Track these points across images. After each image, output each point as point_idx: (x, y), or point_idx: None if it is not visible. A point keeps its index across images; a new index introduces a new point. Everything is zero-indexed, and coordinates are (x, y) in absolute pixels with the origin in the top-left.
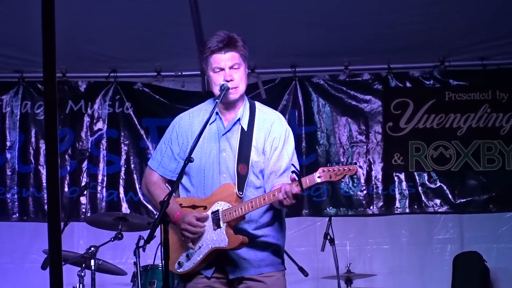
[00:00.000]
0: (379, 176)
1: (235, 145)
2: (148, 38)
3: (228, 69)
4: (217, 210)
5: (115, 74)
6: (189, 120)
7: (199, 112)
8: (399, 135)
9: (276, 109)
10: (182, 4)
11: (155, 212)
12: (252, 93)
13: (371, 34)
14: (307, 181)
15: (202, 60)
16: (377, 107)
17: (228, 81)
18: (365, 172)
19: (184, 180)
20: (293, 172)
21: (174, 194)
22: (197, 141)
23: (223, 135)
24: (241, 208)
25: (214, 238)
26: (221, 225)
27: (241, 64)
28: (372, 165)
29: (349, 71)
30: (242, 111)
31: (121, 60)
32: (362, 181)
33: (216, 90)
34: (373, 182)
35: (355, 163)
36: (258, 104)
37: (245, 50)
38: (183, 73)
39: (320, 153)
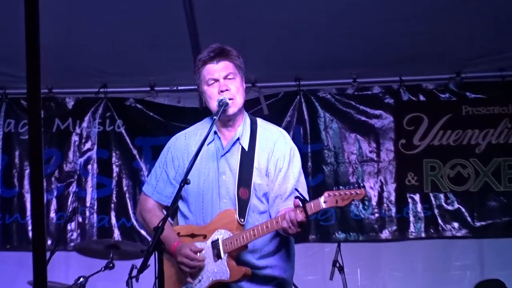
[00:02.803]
0: (392, 198)
1: (235, 167)
2: (141, 50)
3: (223, 79)
4: (217, 239)
5: (105, 90)
6: (185, 141)
7: (196, 132)
8: (413, 153)
9: (279, 125)
10: (177, 14)
11: (149, 239)
12: (253, 108)
13: (381, 44)
14: (311, 206)
15: (195, 75)
16: (389, 122)
17: (223, 91)
18: (376, 194)
19: (182, 206)
20: (296, 197)
21: (172, 222)
22: (193, 162)
23: (222, 156)
24: (243, 237)
25: (215, 270)
26: (222, 256)
27: (236, 74)
28: (384, 186)
29: (357, 84)
30: (242, 129)
31: (112, 74)
32: (374, 203)
33: (213, 106)
34: (385, 204)
35: (363, 186)
36: (259, 121)
37: (239, 60)
38: (179, 88)
39: (327, 173)
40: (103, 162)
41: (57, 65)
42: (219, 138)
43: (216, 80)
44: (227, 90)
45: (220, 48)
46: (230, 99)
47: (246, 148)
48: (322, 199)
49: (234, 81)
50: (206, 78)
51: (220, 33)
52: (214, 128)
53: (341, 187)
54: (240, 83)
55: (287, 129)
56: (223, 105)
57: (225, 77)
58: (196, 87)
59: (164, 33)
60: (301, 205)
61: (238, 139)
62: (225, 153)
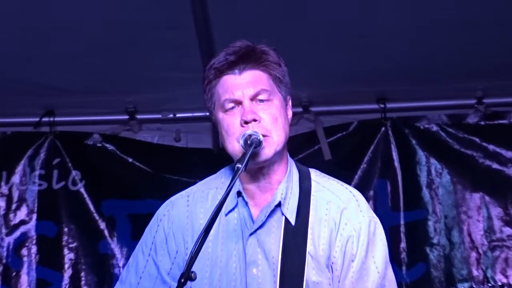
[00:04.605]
0: None
1: (274, 254)
2: (114, 51)
3: (249, 100)
4: None
5: (52, 119)
6: (187, 209)
7: (207, 192)
8: None
9: (351, 179)
10: None
11: None
12: (305, 151)
13: None
14: None
15: (205, 94)
16: None
17: (247, 123)
18: None
19: None
20: None
21: None
22: (201, 244)
23: (251, 234)
24: None
25: None
26: None
27: (273, 94)
28: None
29: (485, 108)
30: (286, 188)
31: (64, 92)
32: None
33: (233, 147)
34: None
35: (501, 286)
36: (315, 174)
37: (280, 69)
38: (177, 115)
39: (434, 261)
40: (48, 242)
41: None
42: (246, 203)
43: (239, 103)
44: (254, 120)
45: (248, 47)
46: (263, 136)
47: (293, 222)
48: None
49: (270, 104)
50: (221, 99)
51: (247, 25)
52: (238, 187)
53: (460, 286)
54: (279, 109)
55: (363, 186)
56: (252, 145)
57: (254, 98)
58: (207, 113)
59: (153, 23)
60: None
61: (278, 205)
62: (257, 230)
